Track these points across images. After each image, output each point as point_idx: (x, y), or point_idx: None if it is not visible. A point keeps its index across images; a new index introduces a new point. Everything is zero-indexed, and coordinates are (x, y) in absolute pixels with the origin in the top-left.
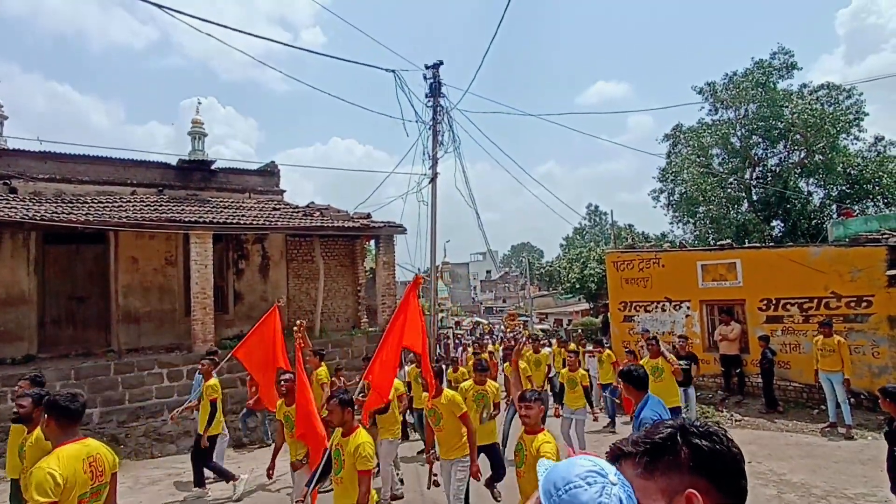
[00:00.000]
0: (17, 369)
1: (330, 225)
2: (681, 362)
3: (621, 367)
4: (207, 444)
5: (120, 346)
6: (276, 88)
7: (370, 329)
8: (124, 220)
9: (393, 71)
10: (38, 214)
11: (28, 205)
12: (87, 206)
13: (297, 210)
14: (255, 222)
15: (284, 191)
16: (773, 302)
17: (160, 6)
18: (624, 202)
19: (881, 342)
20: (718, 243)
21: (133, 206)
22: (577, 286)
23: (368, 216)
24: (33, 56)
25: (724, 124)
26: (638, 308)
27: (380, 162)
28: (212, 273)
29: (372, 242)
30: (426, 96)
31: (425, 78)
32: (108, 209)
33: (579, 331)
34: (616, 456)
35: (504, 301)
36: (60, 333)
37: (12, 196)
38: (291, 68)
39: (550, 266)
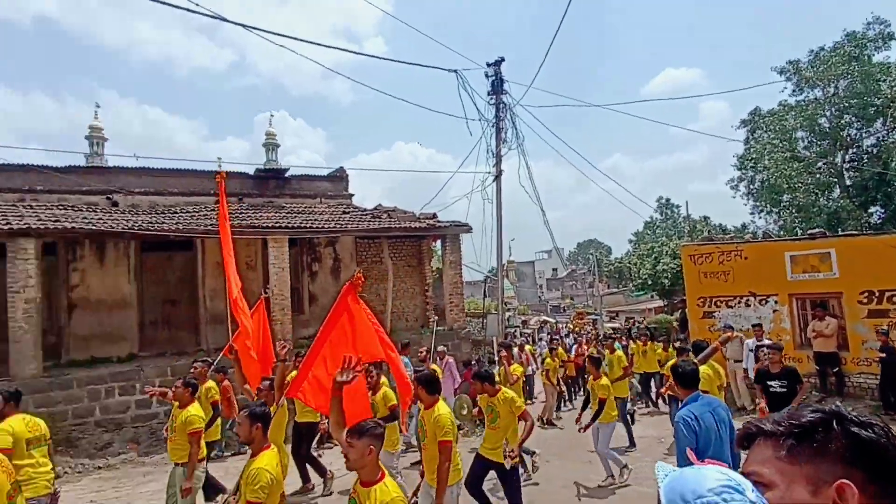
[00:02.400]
0: (122, 367)
1: (397, 226)
2: (773, 384)
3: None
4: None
5: (209, 346)
6: (342, 100)
7: (439, 328)
8: (209, 227)
9: (455, 71)
10: (137, 225)
11: (128, 216)
12: (177, 215)
13: (365, 213)
14: (326, 226)
15: (353, 195)
16: (877, 294)
17: (243, 25)
18: (698, 193)
19: None
20: (808, 232)
21: (217, 214)
22: (650, 282)
23: (434, 216)
24: (128, 83)
25: (811, 105)
26: (718, 303)
27: (443, 165)
28: (288, 276)
29: (438, 243)
30: (488, 94)
31: (487, 76)
32: (195, 218)
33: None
34: (751, 435)
35: (572, 299)
36: (157, 334)
37: (114, 209)
38: (357, 78)
39: (620, 262)
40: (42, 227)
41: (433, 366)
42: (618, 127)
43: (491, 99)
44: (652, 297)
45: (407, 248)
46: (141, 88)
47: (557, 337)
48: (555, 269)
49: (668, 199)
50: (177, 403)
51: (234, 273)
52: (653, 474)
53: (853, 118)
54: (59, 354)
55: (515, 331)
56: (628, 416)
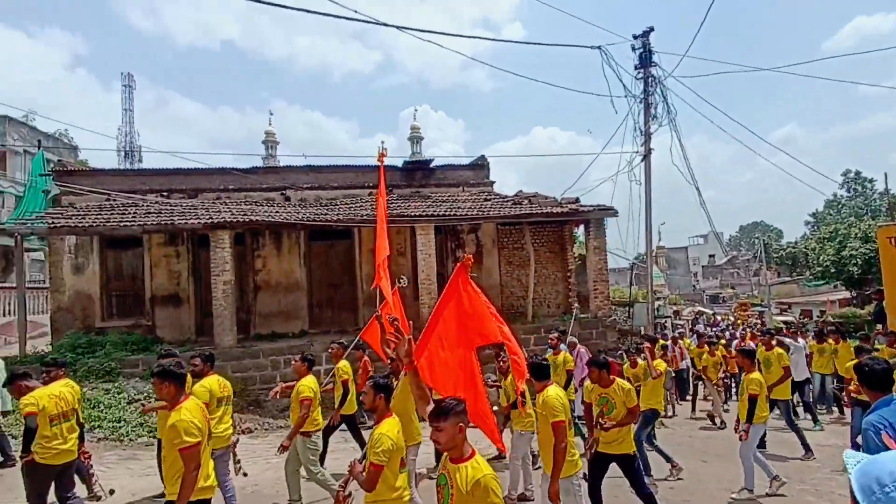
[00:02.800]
0: (296, 341)
1: (539, 211)
2: None
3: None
4: (339, 420)
5: (365, 325)
6: (480, 89)
7: (582, 316)
8: (365, 217)
9: (598, 47)
10: (305, 216)
11: (298, 210)
12: (337, 207)
13: (506, 199)
14: (469, 213)
15: (494, 182)
16: None
17: (395, 26)
18: None
19: None
20: None
21: (371, 205)
22: (833, 270)
23: (577, 200)
24: (293, 91)
25: None
26: None
27: (583, 148)
28: (434, 261)
29: (580, 228)
30: (635, 68)
31: (633, 49)
32: (352, 209)
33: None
34: None
35: (732, 288)
36: (323, 314)
37: (287, 203)
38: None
39: (794, 247)
40: (234, 220)
41: (564, 354)
42: (792, 93)
43: (638, 73)
44: (835, 287)
45: (548, 234)
46: (303, 95)
47: (715, 330)
48: (712, 256)
49: (857, 173)
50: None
51: (385, 243)
52: (832, 487)
53: None
54: (248, 329)
55: (665, 321)
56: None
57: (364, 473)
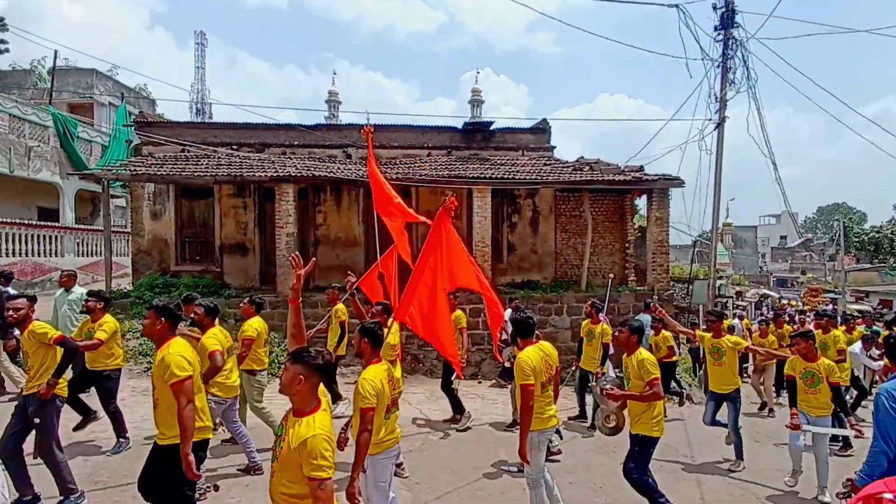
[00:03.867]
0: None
1: (600, 178)
2: None
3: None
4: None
5: None
6: (545, 53)
7: (639, 288)
8: (422, 177)
9: (676, 6)
10: (366, 174)
11: (358, 167)
12: (396, 166)
13: (566, 165)
14: (527, 177)
15: (555, 147)
16: None
17: None
18: None
19: None
20: None
21: (429, 165)
22: None
23: (640, 169)
24: (357, 52)
25: None
26: None
27: (652, 116)
28: (490, 225)
29: (642, 199)
30: (715, 29)
31: (715, 7)
32: (411, 168)
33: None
34: None
35: (803, 273)
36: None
37: (348, 161)
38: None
39: (878, 232)
40: (298, 174)
41: (602, 325)
42: (888, 61)
43: (718, 35)
44: None
45: (608, 203)
46: (366, 56)
47: (783, 314)
48: (783, 237)
49: None
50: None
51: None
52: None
53: None
54: (308, 281)
55: (727, 301)
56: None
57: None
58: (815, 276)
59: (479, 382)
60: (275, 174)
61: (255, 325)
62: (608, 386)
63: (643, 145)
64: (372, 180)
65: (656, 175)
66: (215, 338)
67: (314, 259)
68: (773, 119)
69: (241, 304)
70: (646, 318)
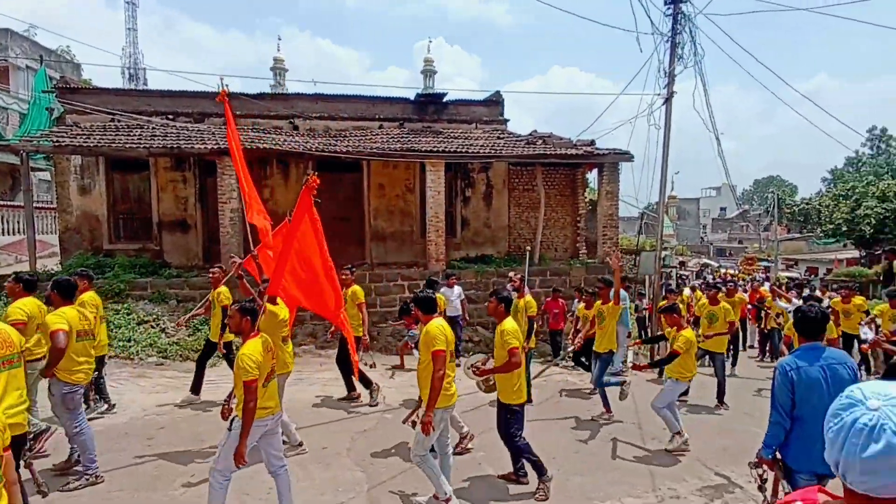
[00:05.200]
0: None
1: (553, 152)
2: None
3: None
4: (224, 350)
5: (372, 260)
6: (499, 24)
7: (589, 261)
8: (374, 150)
9: None
10: (314, 147)
11: (306, 139)
12: (347, 139)
13: (520, 139)
14: (481, 151)
15: (508, 120)
16: None
17: None
18: None
19: None
20: None
21: (381, 138)
22: (845, 228)
23: (592, 143)
24: (306, 17)
25: None
26: None
27: (603, 90)
28: (443, 199)
29: (593, 173)
30: (665, 3)
31: None
32: (362, 141)
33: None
34: None
35: (740, 242)
36: (329, 247)
37: (296, 132)
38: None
39: (807, 204)
40: (241, 147)
41: (527, 298)
42: (825, 39)
43: (668, 9)
44: (844, 245)
45: (560, 177)
46: (316, 22)
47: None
48: (723, 209)
49: (883, 130)
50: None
51: (252, 195)
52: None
53: None
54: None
55: (671, 272)
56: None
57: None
58: (752, 245)
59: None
60: (216, 146)
61: (23, 306)
62: (475, 363)
63: (594, 119)
64: (232, 157)
65: (607, 149)
66: (62, 316)
67: (235, 261)
68: (717, 95)
69: (6, 283)
70: (622, 292)
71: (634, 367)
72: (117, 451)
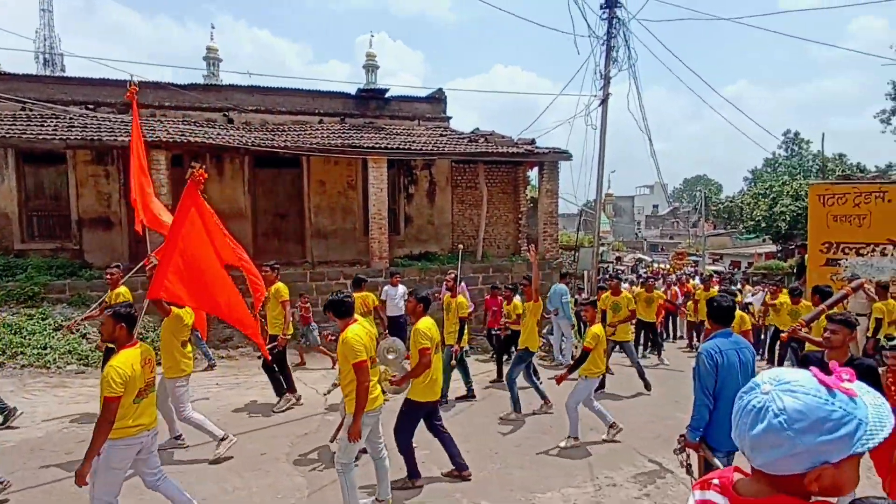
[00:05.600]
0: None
1: (495, 150)
2: None
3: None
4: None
5: (313, 258)
6: (442, 20)
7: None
8: (314, 146)
9: None
10: (251, 141)
11: (242, 133)
12: (285, 133)
13: (462, 136)
14: (424, 148)
15: (451, 117)
16: None
17: None
18: (836, 128)
19: None
20: None
21: (321, 133)
22: (763, 225)
23: (532, 142)
24: (241, 6)
25: None
26: (847, 250)
27: (543, 90)
28: (386, 196)
29: (534, 171)
30: (601, 7)
31: None
32: (301, 136)
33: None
34: None
35: (671, 238)
36: (268, 245)
37: (230, 126)
38: None
39: (731, 202)
40: (171, 140)
41: (460, 297)
42: (747, 48)
43: (603, 13)
44: (763, 240)
45: (502, 175)
46: (252, 11)
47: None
48: (655, 206)
49: (796, 134)
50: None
51: (144, 191)
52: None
53: None
54: None
55: (608, 266)
56: None
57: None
58: (681, 240)
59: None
60: (143, 139)
61: None
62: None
63: (535, 119)
64: (132, 153)
65: (547, 148)
66: None
67: (151, 260)
68: (650, 97)
69: None
70: (562, 287)
71: (558, 380)
72: (32, 469)
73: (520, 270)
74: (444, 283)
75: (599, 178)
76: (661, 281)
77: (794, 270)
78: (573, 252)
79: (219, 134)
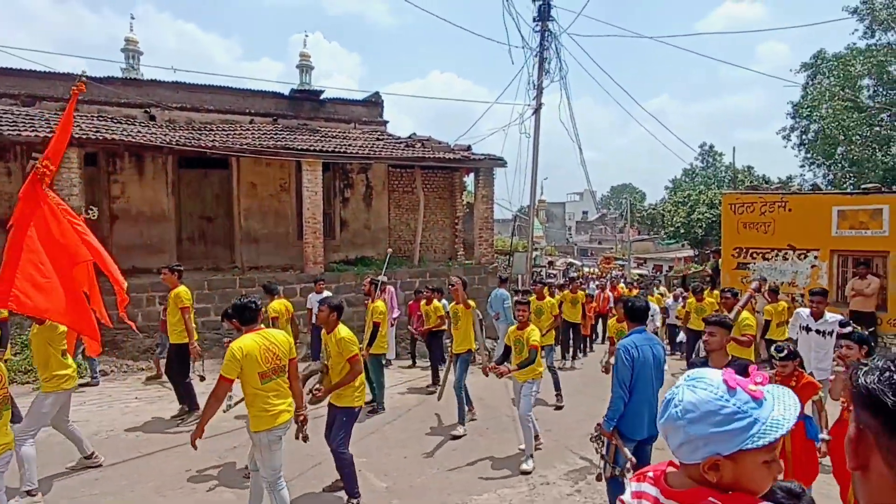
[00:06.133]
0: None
1: (431, 156)
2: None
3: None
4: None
5: (243, 264)
6: (379, 22)
7: (466, 262)
8: (245, 146)
9: None
10: (175, 140)
11: (165, 131)
12: (213, 133)
13: (399, 141)
14: (360, 152)
15: (388, 121)
16: None
17: None
18: (745, 142)
19: None
20: (863, 187)
21: (252, 133)
22: (682, 231)
23: (468, 148)
24: None
25: (882, 50)
26: (755, 255)
27: (479, 98)
28: (321, 200)
29: (469, 177)
30: (534, 20)
31: (534, 0)
32: (230, 136)
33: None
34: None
35: (600, 243)
36: (194, 249)
37: (152, 123)
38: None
39: (653, 209)
40: (84, 136)
41: (379, 302)
42: (667, 65)
43: (536, 25)
44: (683, 245)
45: (439, 180)
46: (176, 2)
47: (582, 280)
48: (585, 212)
49: (711, 146)
50: None
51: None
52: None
53: None
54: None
55: (541, 271)
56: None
57: None
58: (609, 245)
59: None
60: (49, 133)
61: None
62: (312, 388)
63: (471, 125)
64: (54, 145)
65: (482, 155)
66: None
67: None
68: (580, 108)
69: None
70: (503, 292)
71: (491, 369)
72: None
73: (456, 275)
74: (363, 287)
75: (533, 185)
76: (592, 284)
77: (711, 274)
78: (508, 257)
79: (139, 131)
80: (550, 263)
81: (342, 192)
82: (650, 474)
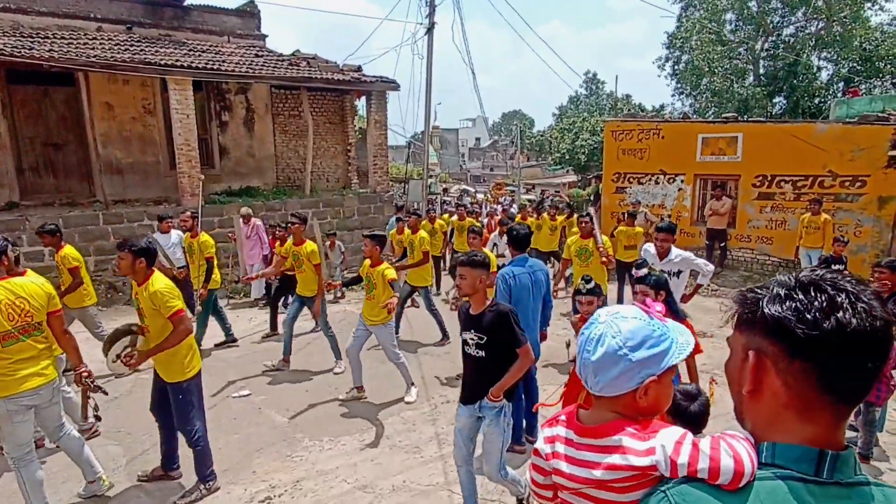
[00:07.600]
0: (1, 215)
1: (319, 76)
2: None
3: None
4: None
5: (105, 198)
6: None
7: (361, 190)
8: (94, 59)
9: None
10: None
11: None
12: (49, 41)
13: (282, 58)
14: (237, 69)
15: (266, 36)
16: (768, 179)
17: None
18: (626, 70)
19: (866, 222)
20: (722, 116)
21: (101, 44)
22: (567, 157)
23: (359, 69)
24: None
25: None
26: (631, 180)
27: (369, 14)
28: (195, 124)
29: (361, 101)
30: None
31: None
32: (73, 46)
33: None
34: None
35: (492, 170)
36: (41, 181)
37: None
38: None
39: (541, 136)
40: None
41: (203, 236)
42: None
43: None
44: (567, 171)
45: (328, 103)
46: None
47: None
48: (478, 139)
49: (594, 75)
50: None
51: None
52: None
53: (779, 4)
54: None
55: (436, 198)
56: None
57: None
58: (500, 172)
59: None
60: None
61: None
62: (122, 351)
63: (360, 43)
64: None
65: (374, 77)
66: None
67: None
68: (474, 31)
69: None
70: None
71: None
72: None
73: (351, 204)
74: (180, 221)
75: (427, 110)
76: (484, 209)
77: (591, 197)
78: (403, 184)
79: None
80: (445, 190)
81: (219, 116)
82: (562, 417)
